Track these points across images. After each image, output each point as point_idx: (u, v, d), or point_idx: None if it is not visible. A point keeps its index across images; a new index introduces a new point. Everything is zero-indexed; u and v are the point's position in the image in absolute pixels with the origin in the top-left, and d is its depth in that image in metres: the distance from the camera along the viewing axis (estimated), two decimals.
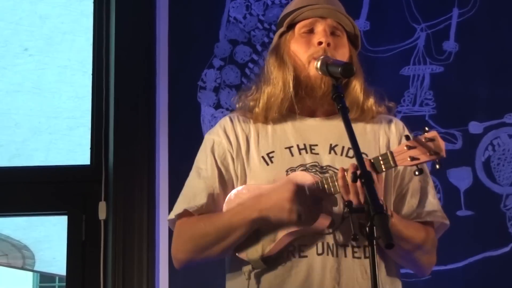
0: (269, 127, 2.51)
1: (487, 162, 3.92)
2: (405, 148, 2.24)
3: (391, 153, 2.25)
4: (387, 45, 4.03)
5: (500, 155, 3.93)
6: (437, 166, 2.22)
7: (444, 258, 3.79)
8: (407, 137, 2.28)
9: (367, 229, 1.94)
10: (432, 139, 2.23)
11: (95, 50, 4.07)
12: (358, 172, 2.06)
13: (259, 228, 2.34)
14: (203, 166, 2.49)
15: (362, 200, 2.14)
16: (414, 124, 3.87)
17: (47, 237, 5.04)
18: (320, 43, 2.45)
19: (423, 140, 2.23)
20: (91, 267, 3.81)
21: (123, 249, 3.73)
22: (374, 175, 2.16)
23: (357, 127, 2.42)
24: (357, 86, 2.49)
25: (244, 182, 2.45)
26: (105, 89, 3.99)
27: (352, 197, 2.17)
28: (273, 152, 2.45)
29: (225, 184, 2.46)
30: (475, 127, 3.94)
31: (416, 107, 3.96)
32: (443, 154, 2.23)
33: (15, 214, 4.18)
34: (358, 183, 2.09)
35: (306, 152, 2.44)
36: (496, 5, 4.08)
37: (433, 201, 2.51)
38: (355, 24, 2.56)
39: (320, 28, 2.48)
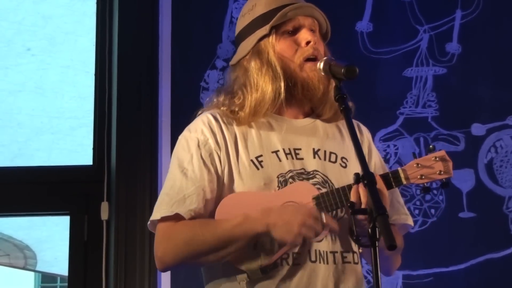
0: (253, 128, 2.46)
1: (489, 164, 3.92)
2: (415, 166, 2.30)
3: (405, 170, 2.31)
4: (390, 46, 4.03)
5: (502, 157, 3.93)
6: (442, 186, 2.32)
7: (446, 260, 3.79)
8: (414, 155, 2.33)
9: (369, 230, 1.95)
10: (442, 159, 2.31)
11: (98, 50, 4.07)
12: (361, 173, 2.07)
13: (259, 239, 2.31)
14: (189, 166, 2.40)
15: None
16: (417, 126, 3.92)
17: (49, 237, 5.05)
18: (308, 42, 2.43)
19: (433, 159, 2.30)
20: (93, 267, 3.81)
21: (125, 250, 3.73)
22: (385, 190, 2.24)
23: (331, 127, 2.49)
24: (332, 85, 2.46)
25: (230, 183, 2.39)
26: (108, 89, 3.99)
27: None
28: (261, 156, 2.41)
29: (213, 185, 2.38)
30: (477, 129, 3.94)
31: (419, 108, 3.96)
32: (452, 174, 2.31)
33: (17, 214, 4.18)
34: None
35: (292, 158, 2.41)
36: (499, 7, 4.08)
37: (401, 204, 2.55)
38: (327, 20, 2.53)
39: (303, 27, 2.45)
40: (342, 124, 2.52)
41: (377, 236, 1.94)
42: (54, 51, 4.22)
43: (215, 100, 2.56)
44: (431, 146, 2.32)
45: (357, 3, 4.07)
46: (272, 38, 2.46)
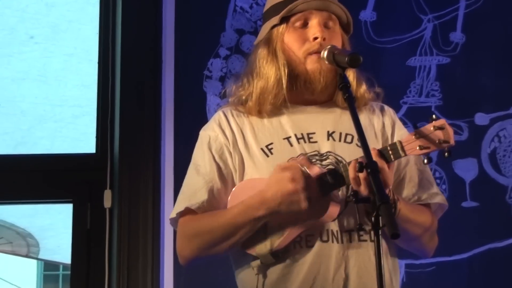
0: (265, 118, 2.50)
1: (492, 153, 3.92)
2: (414, 137, 2.24)
3: (400, 142, 2.25)
4: (393, 35, 4.03)
5: (506, 146, 3.92)
6: (446, 155, 2.22)
7: (449, 249, 3.79)
8: (415, 126, 2.27)
9: (373, 218, 1.95)
10: (440, 128, 2.23)
11: (101, 38, 4.07)
12: (364, 162, 2.07)
13: (267, 222, 2.33)
14: (201, 163, 2.48)
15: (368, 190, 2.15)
16: (420, 115, 3.91)
17: (52, 225, 5.05)
18: (315, 38, 2.44)
19: (432, 128, 2.23)
20: (96, 255, 3.82)
21: (128, 238, 3.74)
22: (385, 164, 2.19)
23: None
24: (350, 75, 2.48)
25: (243, 175, 2.44)
26: (111, 77, 3.99)
27: (362, 189, 2.16)
28: (271, 143, 2.44)
29: (225, 178, 2.45)
30: (481, 118, 3.94)
31: (423, 98, 3.96)
32: (453, 142, 2.23)
33: (20, 202, 4.19)
34: (364, 173, 2.10)
35: (305, 142, 2.44)
36: None
37: (432, 183, 2.53)
38: (347, 12, 2.54)
39: (314, 21, 2.46)
40: (363, 110, 2.54)
41: (380, 225, 1.94)
42: (58, 39, 4.22)
43: (227, 90, 2.64)
44: (433, 115, 2.25)
45: None
46: (282, 28, 2.49)
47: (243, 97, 2.53)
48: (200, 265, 2.59)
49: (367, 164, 2.05)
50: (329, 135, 2.45)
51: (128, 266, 3.72)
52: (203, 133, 2.55)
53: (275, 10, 2.52)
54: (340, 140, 2.44)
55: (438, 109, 3.94)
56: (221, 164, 2.46)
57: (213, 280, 3.58)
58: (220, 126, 2.51)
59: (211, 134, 2.51)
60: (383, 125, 2.54)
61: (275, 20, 2.50)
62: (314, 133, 2.45)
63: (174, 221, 2.49)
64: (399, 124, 2.58)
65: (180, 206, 2.45)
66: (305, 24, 2.47)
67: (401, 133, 2.53)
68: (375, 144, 2.43)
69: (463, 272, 3.78)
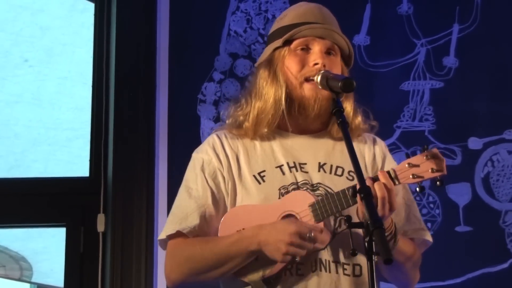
0: (257, 144, 2.50)
1: (486, 178, 3.92)
2: (407, 166, 2.27)
3: (394, 171, 2.27)
4: (387, 60, 4.04)
5: (499, 171, 3.92)
6: (438, 184, 2.26)
7: (443, 274, 3.78)
8: (407, 155, 2.29)
9: (366, 244, 1.94)
10: (433, 157, 2.26)
11: (95, 61, 4.08)
12: (358, 187, 2.07)
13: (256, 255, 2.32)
14: (194, 186, 2.46)
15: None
16: (414, 140, 3.92)
17: (45, 248, 5.03)
18: (315, 64, 2.44)
19: (424, 158, 2.27)
20: (89, 279, 3.80)
21: (121, 262, 3.73)
22: (393, 186, 2.21)
23: (343, 145, 2.46)
24: (348, 106, 2.49)
25: (235, 200, 2.43)
26: (105, 100, 3.99)
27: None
28: (264, 171, 2.44)
29: (217, 203, 2.44)
30: (474, 143, 3.94)
31: (416, 122, 3.96)
32: (445, 171, 2.26)
33: (13, 225, 4.17)
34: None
35: (297, 170, 2.43)
36: (496, 21, 4.09)
37: (418, 218, 2.52)
38: (350, 44, 2.55)
39: (316, 48, 2.46)
40: (355, 141, 2.51)
41: (373, 250, 1.93)
42: (52, 62, 4.22)
43: (225, 113, 2.63)
44: (425, 146, 2.29)
45: (354, 16, 4.07)
46: (284, 51, 2.49)
47: (241, 118, 2.52)
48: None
49: (360, 189, 2.05)
50: (320, 166, 2.45)
51: None
52: (196, 155, 2.53)
53: (279, 33, 2.52)
54: (331, 173, 2.44)
55: (431, 133, 3.94)
56: (214, 188, 2.44)
57: None
58: (214, 149, 2.50)
59: (205, 157, 2.50)
60: (374, 157, 2.54)
61: (277, 42, 2.50)
62: (305, 163, 2.45)
63: (163, 243, 2.48)
64: (389, 158, 2.58)
65: (170, 228, 2.43)
66: (307, 49, 2.47)
67: (391, 167, 2.53)
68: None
69: None
